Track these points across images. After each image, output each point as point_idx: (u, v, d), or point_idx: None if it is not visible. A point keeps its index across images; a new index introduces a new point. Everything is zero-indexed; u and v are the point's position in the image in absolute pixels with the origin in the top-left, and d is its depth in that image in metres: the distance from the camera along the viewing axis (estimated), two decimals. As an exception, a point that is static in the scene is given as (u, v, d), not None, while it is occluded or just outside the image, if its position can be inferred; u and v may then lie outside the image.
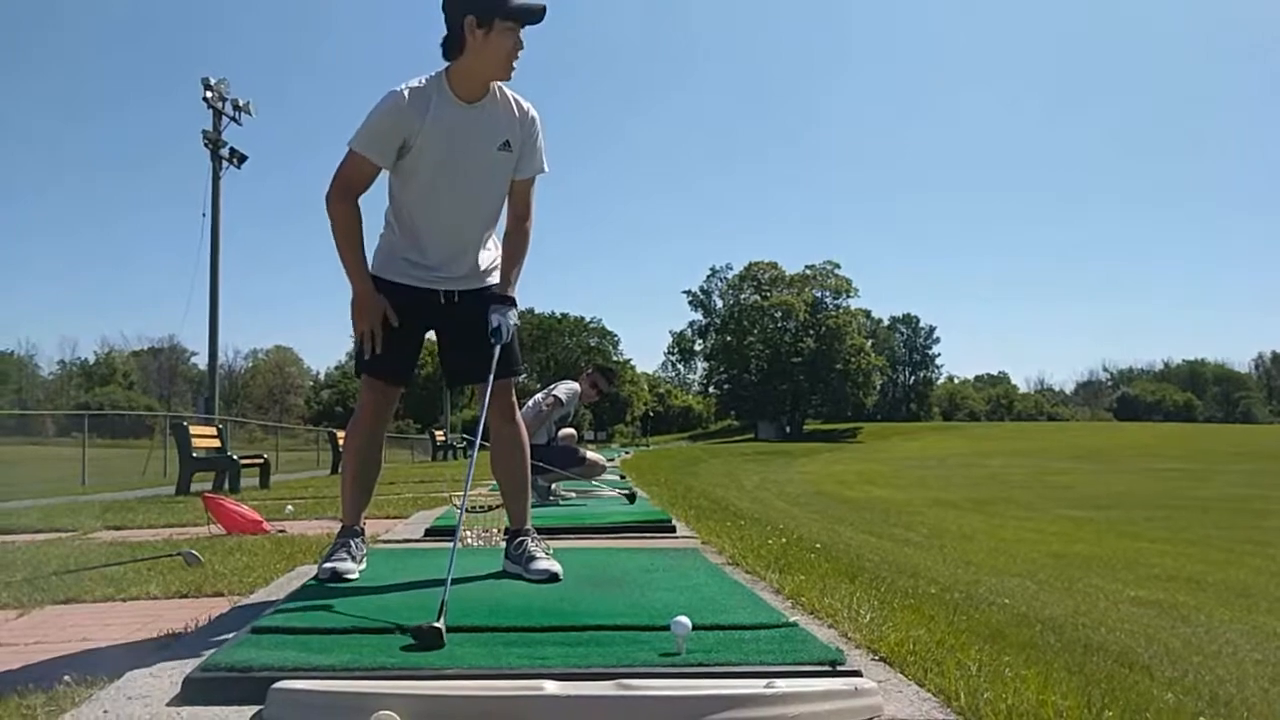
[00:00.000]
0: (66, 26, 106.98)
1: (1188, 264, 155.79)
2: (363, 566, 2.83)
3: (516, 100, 2.73)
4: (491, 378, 2.68)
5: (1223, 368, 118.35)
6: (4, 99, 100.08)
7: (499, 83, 2.69)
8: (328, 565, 2.72)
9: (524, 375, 2.99)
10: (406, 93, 2.59)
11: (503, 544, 2.99)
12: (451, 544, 2.54)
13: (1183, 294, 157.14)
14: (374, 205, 2.78)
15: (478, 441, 2.68)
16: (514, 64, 2.63)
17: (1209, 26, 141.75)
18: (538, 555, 2.78)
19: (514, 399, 2.92)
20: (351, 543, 2.83)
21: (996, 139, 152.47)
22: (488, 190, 2.76)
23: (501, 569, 2.87)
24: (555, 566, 2.74)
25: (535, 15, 2.58)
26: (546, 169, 2.81)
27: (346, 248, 2.68)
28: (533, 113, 2.75)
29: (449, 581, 2.15)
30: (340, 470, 3.18)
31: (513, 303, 2.75)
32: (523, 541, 2.84)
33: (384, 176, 2.77)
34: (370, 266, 2.81)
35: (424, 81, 2.63)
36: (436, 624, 1.88)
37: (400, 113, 2.58)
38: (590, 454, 6.63)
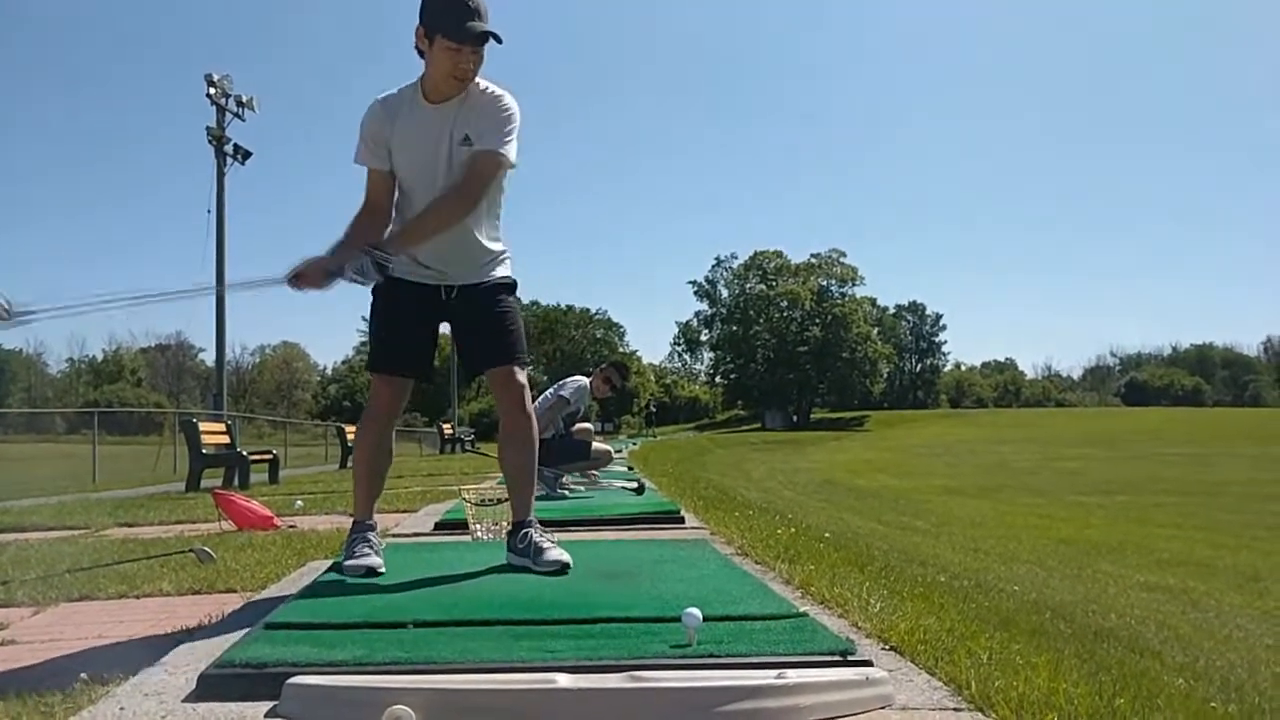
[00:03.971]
0: (70, 18, 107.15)
1: (1194, 247, 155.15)
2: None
3: (487, 90, 2.70)
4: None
5: (1231, 351, 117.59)
6: (5, 92, 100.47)
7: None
8: (355, 563, 2.72)
9: (530, 365, 2.99)
10: (380, 100, 2.74)
11: None
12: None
13: (1189, 278, 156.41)
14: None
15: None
16: (459, 79, 2.61)
17: (1212, 11, 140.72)
18: (545, 546, 2.78)
19: (526, 389, 2.91)
20: (370, 536, 2.85)
21: (1001, 127, 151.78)
22: None
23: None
24: (565, 557, 2.74)
25: (468, 39, 2.53)
26: (514, 160, 2.71)
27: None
28: (504, 99, 2.70)
29: None
30: (353, 464, 3.20)
31: (369, 251, 2.53)
32: (527, 534, 2.83)
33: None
34: None
35: (402, 89, 2.75)
36: None
37: (375, 118, 2.74)
38: (597, 444, 6.67)
